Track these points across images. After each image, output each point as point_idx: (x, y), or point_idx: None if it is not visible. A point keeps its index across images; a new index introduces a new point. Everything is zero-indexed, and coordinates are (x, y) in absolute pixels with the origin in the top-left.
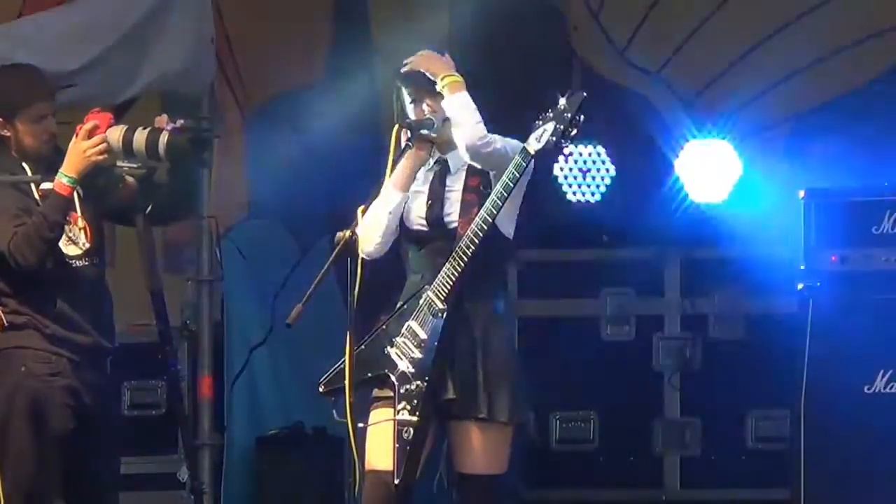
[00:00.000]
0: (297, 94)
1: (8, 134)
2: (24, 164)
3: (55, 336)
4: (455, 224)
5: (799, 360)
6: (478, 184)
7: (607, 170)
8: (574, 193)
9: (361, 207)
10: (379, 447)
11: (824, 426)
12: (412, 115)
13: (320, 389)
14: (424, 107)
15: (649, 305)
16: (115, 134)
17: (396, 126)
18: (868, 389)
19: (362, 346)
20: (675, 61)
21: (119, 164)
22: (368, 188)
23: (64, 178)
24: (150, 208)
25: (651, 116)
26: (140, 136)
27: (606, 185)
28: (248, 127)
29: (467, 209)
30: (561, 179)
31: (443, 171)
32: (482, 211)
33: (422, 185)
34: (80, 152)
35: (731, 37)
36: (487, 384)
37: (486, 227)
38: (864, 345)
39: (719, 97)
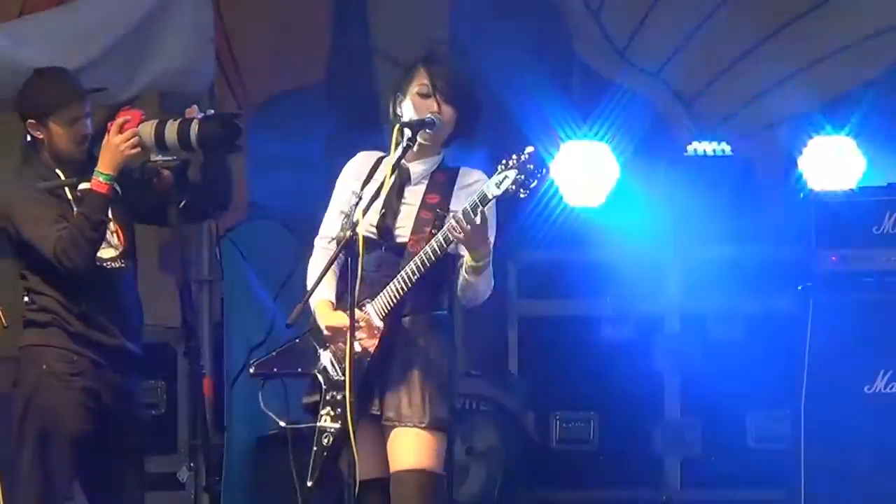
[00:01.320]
0: (297, 94)
1: (41, 136)
2: (57, 171)
3: (80, 335)
4: (405, 239)
5: (799, 360)
6: (436, 202)
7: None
8: (575, 194)
9: (362, 208)
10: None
11: (824, 426)
12: (406, 115)
13: (251, 371)
14: (433, 104)
15: (649, 305)
16: (147, 128)
17: (397, 125)
18: (868, 389)
19: (296, 340)
20: (675, 61)
21: (153, 158)
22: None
23: (101, 176)
24: (183, 203)
25: (651, 116)
26: (171, 128)
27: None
28: (248, 127)
29: (420, 227)
30: (562, 180)
31: (403, 180)
32: (433, 241)
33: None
34: (113, 147)
35: (731, 37)
36: (425, 393)
37: (433, 258)
38: (864, 345)
39: (719, 97)
